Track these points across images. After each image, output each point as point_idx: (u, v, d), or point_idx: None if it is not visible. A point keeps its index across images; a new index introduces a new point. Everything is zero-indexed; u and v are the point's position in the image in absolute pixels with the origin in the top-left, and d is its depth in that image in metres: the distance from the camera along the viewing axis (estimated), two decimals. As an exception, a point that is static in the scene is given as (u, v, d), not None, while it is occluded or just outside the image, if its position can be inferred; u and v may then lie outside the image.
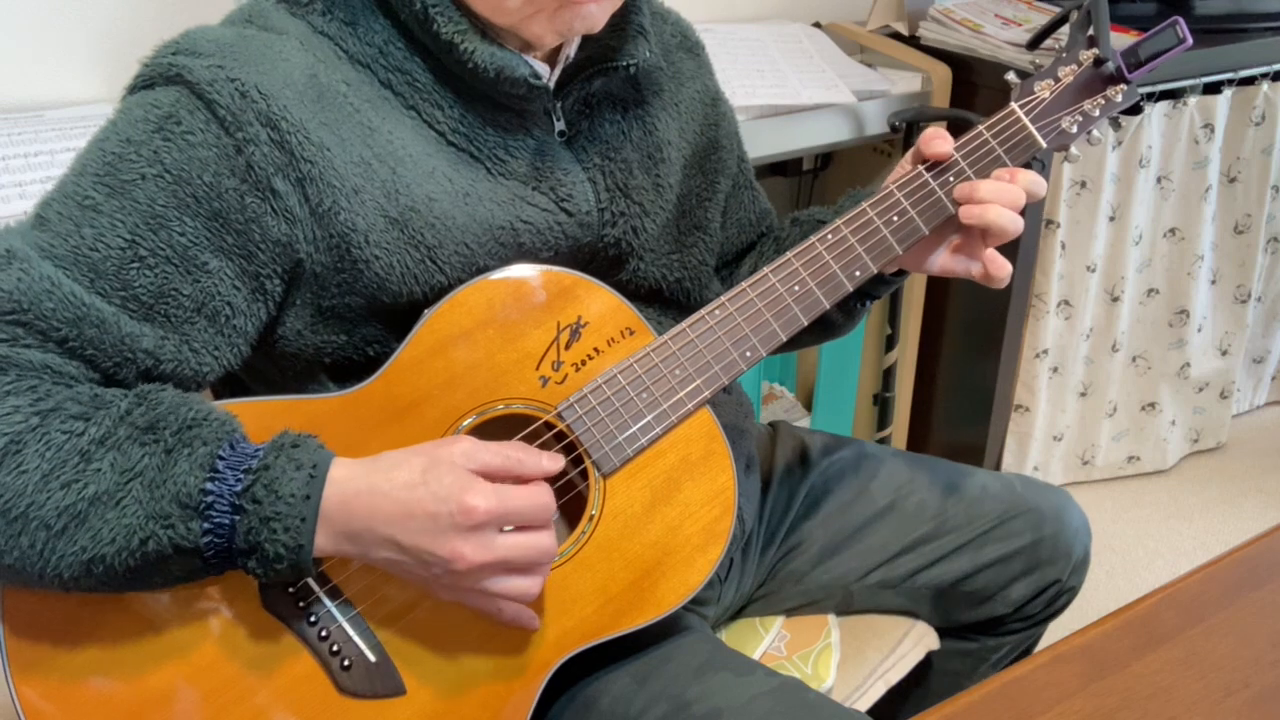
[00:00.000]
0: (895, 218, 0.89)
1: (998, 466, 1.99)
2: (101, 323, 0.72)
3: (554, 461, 0.78)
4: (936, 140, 0.89)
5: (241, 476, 0.70)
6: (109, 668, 0.74)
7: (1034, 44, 1.04)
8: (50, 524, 0.67)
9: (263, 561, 0.70)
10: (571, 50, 0.88)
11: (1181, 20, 0.88)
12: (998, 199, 0.87)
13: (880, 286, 0.99)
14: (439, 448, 0.75)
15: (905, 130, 1.65)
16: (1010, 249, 1.75)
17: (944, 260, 0.94)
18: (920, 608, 1.11)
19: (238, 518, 0.70)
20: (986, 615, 1.10)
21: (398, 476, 0.73)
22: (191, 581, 0.73)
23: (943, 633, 1.13)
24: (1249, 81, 1.90)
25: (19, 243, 0.72)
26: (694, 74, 1.00)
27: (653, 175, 0.94)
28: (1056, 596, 1.10)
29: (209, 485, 0.69)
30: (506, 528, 0.74)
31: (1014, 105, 0.91)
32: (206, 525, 0.69)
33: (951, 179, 0.90)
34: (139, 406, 0.71)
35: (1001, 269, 0.90)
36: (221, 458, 0.70)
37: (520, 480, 0.75)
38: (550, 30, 0.81)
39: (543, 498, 0.75)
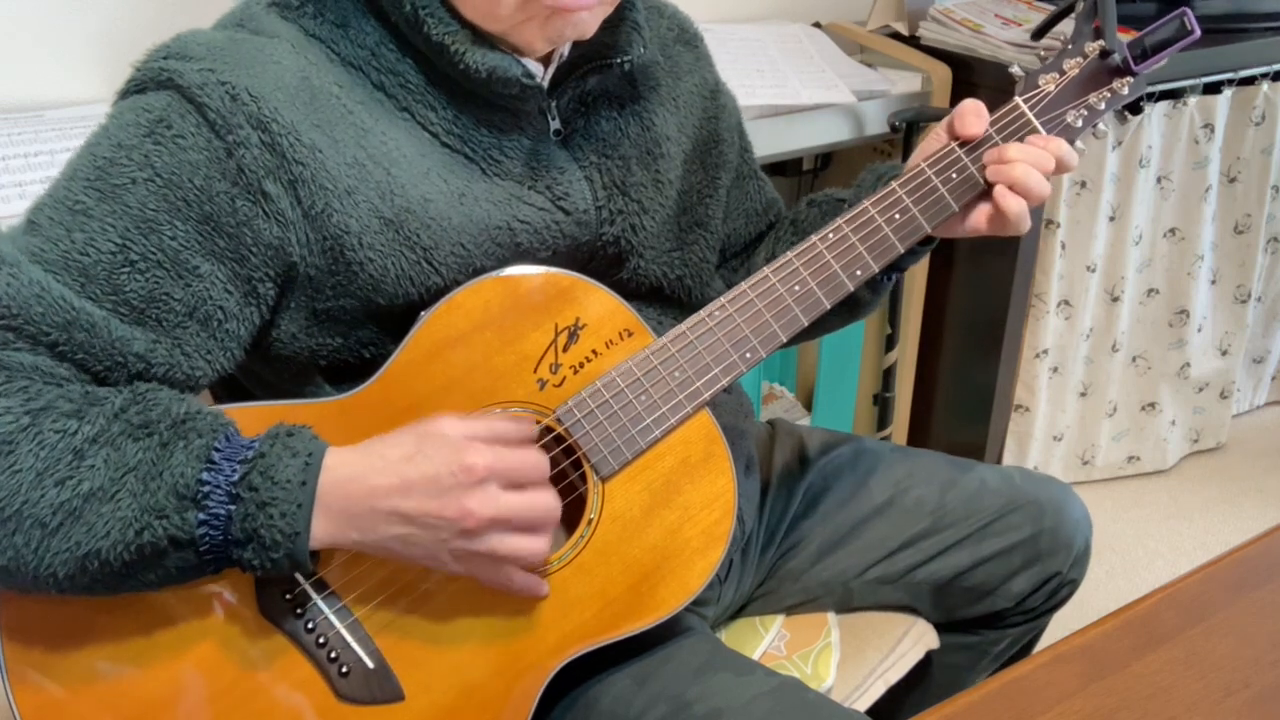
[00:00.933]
0: (897, 215, 0.89)
1: (998, 466, 1.99)
2: (92, 327, 0.72)
3: (527, 424, 0.78)
4: (971, 118, 0.88)
5: (238, 466, 0.70)
6: (106, 675, 0.74)
7: (1039, 34, 1.03)
8: (45, 522, 0.67)
9: (259, 550, 0.70)
10: (565, 49, 0.87)
11: (1189, 11, 0.87)
12: (1024, 158, 0.87)
13: (907, 258, 0.98)
14: (425, 424, 0.75)
15: (905, 130, 1.65)
16: (1010, 249, 1.75)
17: (968, 223, 0.92)
18: (920, 603, 1.10)
19: (234, 507, 0.70)
20: (987, 610, 1.10)
21: (392, 453, 0.73)
22: (187, 580, 0.73)
23: (944, 627, 1.13)
24: (1249, 81, 1.90)
25: (9, 248, 0.72)
26: (692, 67, 1.00)
27: (652, 171, 0.93)
28: (1058, 589, 1.09)
29: (205, 475, 0.69)
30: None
31: (1018, 99, 0.90)
32: (202, 515, 0.69)
33: (954, 175, 0.89)
34: (134, 404, 0.71)
35: (1013, 204, 0.87)
36: (217, 449, 0.71)
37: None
38: (541, 37, 0.81)
39: (535, 456, 0.76)
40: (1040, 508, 1.08)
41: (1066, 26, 0.96)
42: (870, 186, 0.98)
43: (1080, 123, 0.91)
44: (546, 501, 0.76)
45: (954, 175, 0.89)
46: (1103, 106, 0.91)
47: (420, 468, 0.73)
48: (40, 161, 1.16)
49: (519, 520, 0.75)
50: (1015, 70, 0.93)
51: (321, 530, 0.72)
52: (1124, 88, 0.91)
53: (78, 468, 0.68)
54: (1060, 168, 0.88)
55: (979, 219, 0.91)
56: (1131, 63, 0.90)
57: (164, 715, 0.75)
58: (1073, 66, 0.91)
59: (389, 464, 0.73)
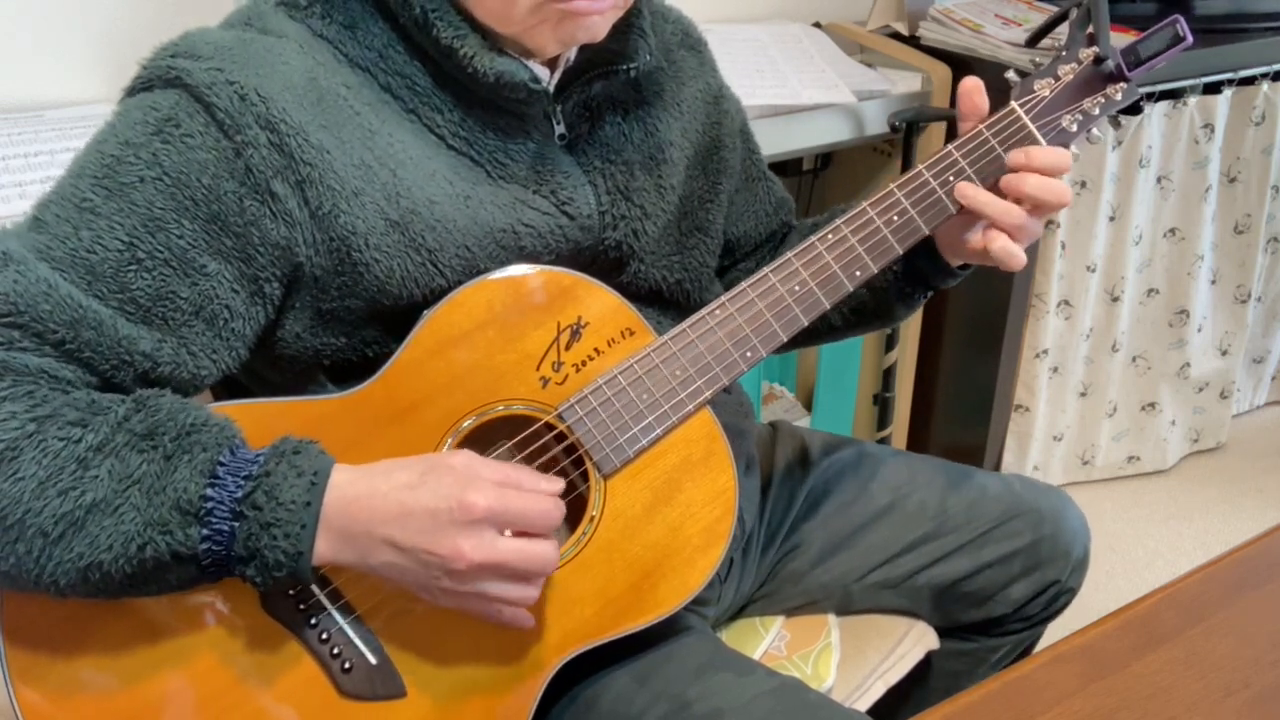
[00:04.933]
0: (895, 217, 0.89)
1: (998, 467, 1.99)
2: (99, 325, 0.71)
3: (552, 484, 0.76)
4: (976, 96, 0.89)
5: (242, 483, 0.70)
6: (109, 673, 0.74)
7: (1033, 41, 1.05)
8: (47, 531, 0.67)
9: (261, 569, 0.70)
10: (571, 54, 0.87)
11: (1182, 19, 0.88)
12: (1041, 166, 0.87)
13: (948, 279, 0.99)
14: (440, 457, 0.75)
15: (905, 130, 1.65)
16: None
17: (971, 246, 0.93)
18: (920, 607, 1.11)
19: (237, 524, 0.70)
20: (986, 615, 1.10)
21: (397, 478, 0.73)
22: (188, 589, 0.73)
23: (942, 633, 1.13)
24: (1249, 81, 1.90)
25: (15, 245, 0.72)
26: (696, 72, 1.00)
27: (655, 176, 0.94)
28: (1056, 597, 1.10)
29: (209, 491, 0.69)
30: (507, 532, 0.74)
31: (1014, 104, 0.91)
32: (205, 531, 0.69)
33: (951, 178, 0.89)
34: (137, 413, 0.71)
35: (995, 244, 0.88)
36: (222, 464, 0.70)
37: None
38: (553, 40, 0.82)
39: (544, 504, 0.74)
40: (1040, 516, 1.08)
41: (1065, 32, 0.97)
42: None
43: (1075, 127, 0.92)
44: (543, 553, 0.74)
45: (950, 179, 0.89)
46: (1097, 112, 0.92)
47: (420, 498, 0.72)
48: (40, 161, 1.16)
49: (512, 568, 0.73)
50: (1011, 75, 0.94)
51: (324, 549, 0.72)
52: (1118, 94, 0.92)
53: (81, 478, 0.68)
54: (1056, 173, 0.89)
55: (977, 247, 0.92)
56: (1125, 69, 0.91)
57: (167, 712, 0.75)
58: (1067, 72, 0.92)
59: (392, 489, 0.72)
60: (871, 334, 1.91)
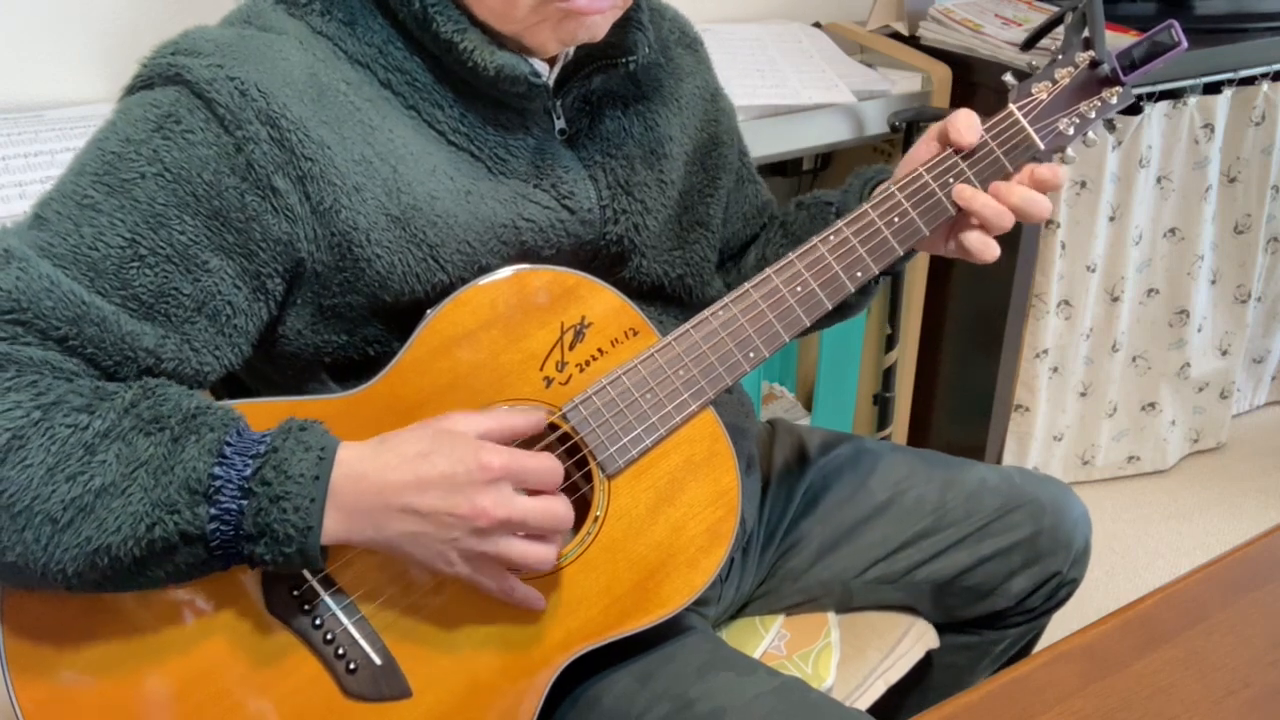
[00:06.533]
0: (896, 219, 0.89)
1: (998, 466, 1.99)
2: (101, 321, 0.72)
3: (538, 413, 0.80)
4: (964, 128, 0.89)
5: (250, 461, 0.70)
6: (110, 671, 0.74)
7: (1028, 45, 1.05)
8: (56, 518, 0.67)
9: (271, 545, 0.70)
10: (570, 49, 0.88)
11: (1176, 24, 0.89)
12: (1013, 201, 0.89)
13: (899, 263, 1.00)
14: (438, 421, 0.76)
15: (905, 130, 1.65)
16: (1011, 248, 1.75)
17: (942, 244, 0.95)
18: (920, 603, 1.11)
19: (246, 502, 0.70)
20: (988, 609, 1.10)
21: (407, 449, 0.74)
22: (195, 576, 0.73)
23: (944, 627, 1.13)
24: (1249, 81, 1.90)
25: (17, 242, 0.72)
26: (693, 70, 1.01)
27: (655, 171, 0.94)
28: (1058, 589, 1.10)
29: (217, 469, 0.70)
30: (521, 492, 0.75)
31: (1012, 107, 0.91)
32: (214, 510, 0.69)
33: (951, 180, 0.90)
34: (145, 399, 0.71)
35: (971, 238, 0.90)
36: (229, 443, 0.71)
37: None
38: (554, 39, 0.82)
39: (550, 463, 0.76)
40: (1040, 507, 1.08)
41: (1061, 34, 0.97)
42: (858, 191, 0.99)
43: (1072, 130, 0.92)
44: (559, 509, 0.76)
45: (950, 180, 0.90)
46: (1093, 115, 0.93)
47: (436, 465, 0.73)
48: (40, 161, 1.16)
49: (531, 525, 0.75)
50: (1008, 79, 0.94)
51: (334, 525, 0.72)
52: (1113, 97, 0.93)
53: (89, 463, 0.68)
54: (1045, 188, 0.91)
55: (951, 244, 0.94)
56: (1120, 73, 0.91)
57: (168, 712, 0.75)
58: (1064, 76, 0.93)
59: (404, 460, 0.73)
60: (871, 334, 1.91)
